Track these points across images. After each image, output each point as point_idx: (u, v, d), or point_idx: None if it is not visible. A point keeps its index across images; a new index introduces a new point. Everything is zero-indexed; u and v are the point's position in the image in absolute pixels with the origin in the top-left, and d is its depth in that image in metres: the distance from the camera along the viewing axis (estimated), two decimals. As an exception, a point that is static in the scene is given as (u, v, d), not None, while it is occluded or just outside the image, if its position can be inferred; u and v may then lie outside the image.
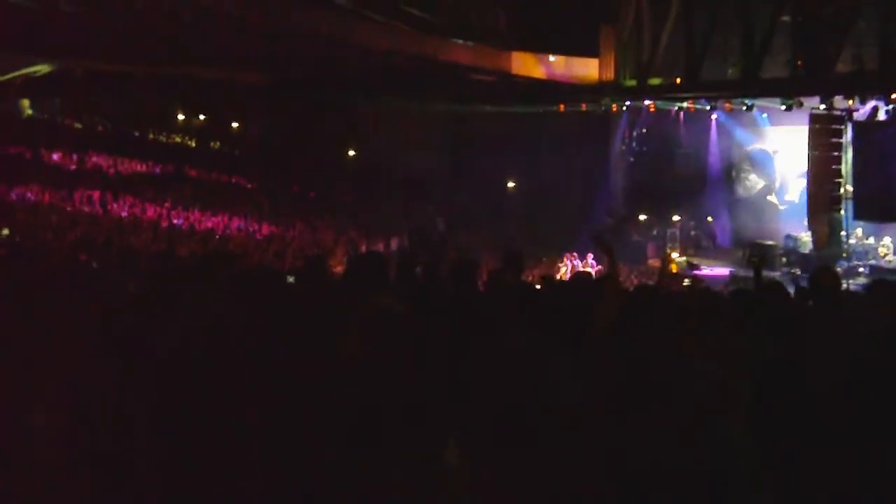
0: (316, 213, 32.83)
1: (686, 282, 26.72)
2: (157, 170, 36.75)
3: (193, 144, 43.12)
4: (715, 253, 34.76)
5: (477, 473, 4.97)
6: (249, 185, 37.52)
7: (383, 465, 4.91)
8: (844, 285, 22.84)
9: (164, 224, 27.91)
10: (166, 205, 29.76)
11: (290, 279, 8.31)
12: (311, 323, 5.84)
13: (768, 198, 34.93)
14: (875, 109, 26.98)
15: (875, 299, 7.77)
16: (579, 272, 19.38)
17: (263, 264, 16.30)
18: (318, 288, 7.47)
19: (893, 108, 26.18)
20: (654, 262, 33.69)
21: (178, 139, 43.25)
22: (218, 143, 43.38)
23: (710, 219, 36.01)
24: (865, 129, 27.35)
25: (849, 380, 5.21)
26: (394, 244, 29.33)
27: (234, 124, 42.72)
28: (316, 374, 5.28)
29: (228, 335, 5.87)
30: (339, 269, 16.68)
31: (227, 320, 6.07)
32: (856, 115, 27.54)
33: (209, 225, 28.99)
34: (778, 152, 34.45)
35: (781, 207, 34.50)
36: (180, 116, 43.00)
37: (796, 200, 32.88)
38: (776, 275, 28.20)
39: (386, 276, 6.85)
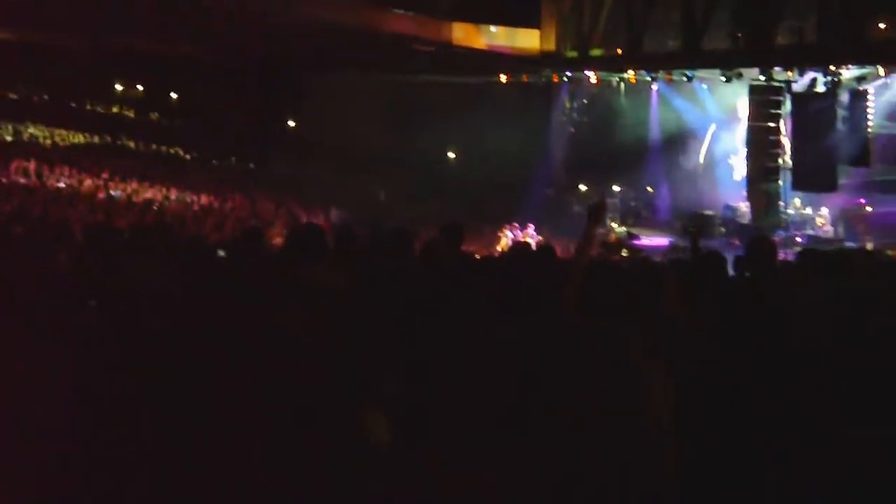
0: (255, 185, 32.64)
1: (624, 252, 26.86)
2: (95, 140, 36.37)
3: (132, 115, 42.68)
4: (655, 223, 34.87)
5: (418, 452, 4.96)
6: (188, 157, 37.25)
7: (319, 441, 4.89)
8: (781, 255, 23.14)
9: (102, 195, 27.60)
10: (104, 176, 29.41)
11: (221, 253, 8.20)
12: (248, 296, 5.81)
13: (707, 168, 35.14)
14: (814, 81, 27.24)
15: (806, 269, 7.86)
16: (518, 243, 19.37)
17: (198, 237, 16.13)
18: (256, 260, 7.44)
19: (832, 79, 26.44)
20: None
21: (116, 110, 42.78)
22: (156, 115, 42.98)
23: (649, 189, 36.15)
24: (804, 101, 27.62)
25: (786, 350, 5.26)
26: (333, 216, 29.18)
27: (173, 95, 42.31)
28: (254, 349, 5.25)
29: (166, 309, 5.83)
30: (278, 240, 16.59)
31: (164, 294, 6.03)
32: (794, 87, 27.80)
33: (147, 196, 28.71)
34: (718, 123, 34.64)
35: (720, 177, 34.72)
36: (118, 87, 42.52)
37: (736, 171, 33.11)
38: (715, 244, 28.43)
39: (325, 248, 6.83)
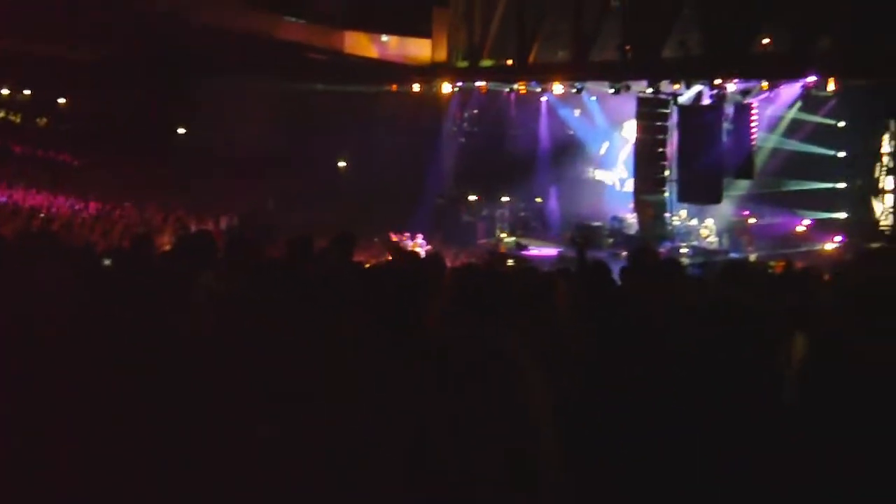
0: (145, 192, 32.24)
1: (510, 262, 27.05)
2: (-20, 147, 35.70)
3: (18, 120, 41.93)
4: (544, 233, 35.13)
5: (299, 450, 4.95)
6: (76, 163, 36.68)
7: (205, 447, 4.87)
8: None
9: (-12, 202, 27.13)
10: (-10, 182, 28.92)
11: (107, 262, 8.09)
12: (135, 303, 5.76)
13: (596, 179, 35.51)
14: (699, 94, 27.70)
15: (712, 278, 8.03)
16: (407, 252, 19.43)
17: (86, 244, 15.92)
18: (144, 267, 7.38)
19: (717, 92, 26.91)
20: (484, 243, 34.02)
21: (1, 115, 42.01)
22: (44, 120, 42.27)
23: (539, 199, 36.42)
24: (690, 113, 28.08)
25: (657, 358, 5.35)
26: (223, 223, 28.98)
27: (62, 100, 41.64)
28: (141, 355, 5.21)
29: (51, 316, 5.76)
30: (167, 248, 16.46)
31: (49, 301, 5.96)
32: (681, 100, 28.24)
33: (34, 203, 28.25)
34: (607, 135, 35.02)
35: (609, 189, 35.12)
36: (5, 91, 41.76)
37: (623, 182, 33.53)
38: (602, 255, 28.74)
39: (214, 255, 6.81)
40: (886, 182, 26.25)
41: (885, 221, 26.24)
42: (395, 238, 28.79)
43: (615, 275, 8.66)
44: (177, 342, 5.21)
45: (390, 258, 24.13)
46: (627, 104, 29.90)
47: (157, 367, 5.10)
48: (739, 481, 4.60)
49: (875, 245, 24.88)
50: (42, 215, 26.36)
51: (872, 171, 26.56)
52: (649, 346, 5.34)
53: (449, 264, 9.05)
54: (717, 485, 4.66)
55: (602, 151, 35.39)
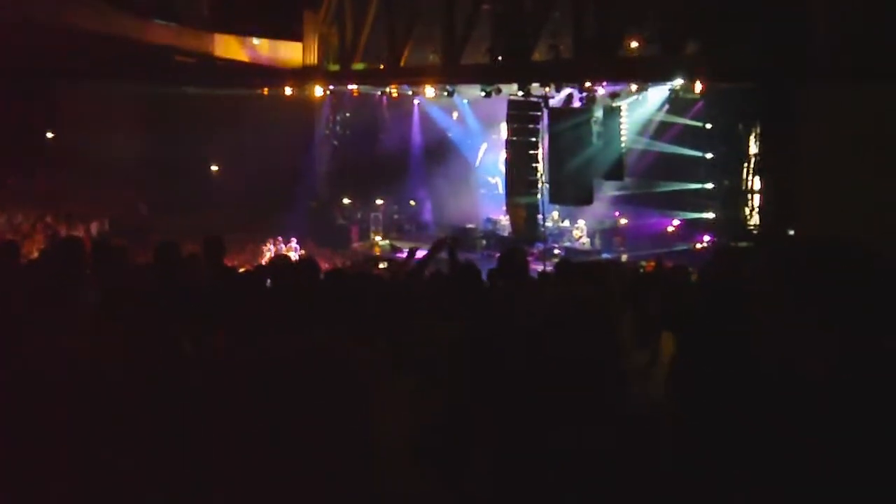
0: (14, 200, 31.59)
1: (382, 265, 27.07)
2: None
3: None
4: (417, 235, 35.23)
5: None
6: (-61, 171, 35.83)
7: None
8: (541, 267, 23.67)
9: None
10: None
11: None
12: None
13: (469, 181, 35.67)
14: (570, 96, 27.97)
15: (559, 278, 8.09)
16: (279, 256, 19.37)
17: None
18: (9, 275, 7.24)
19: (586, 95, 27.21)
20: (359, 246, 34.00)
21: None
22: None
23: (412, 202, 36.51)
24: (560, 116, 28.31)
25: (526, 358, 5.37)
26: (94, 229, 28.57)
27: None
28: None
29: None
30: (36, 255, 16.18)
31: None
32: (551, 102, 28.46)
33: None
34: (480, 138, 35.21)
35: (482, 191, 35.32)
36: None
37: (496, 184, 33.73)
38: (475, 257, 28.89)
39: (82, 262, 6.69)
40: (754, 182, 26.72)
41: (753, 221, 26.72)
42: (269, 243, 28.63)
43: (484, 276, 8.71)
44: (41, 356, 5.10)
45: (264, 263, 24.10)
46: (501, 107, 30.03)
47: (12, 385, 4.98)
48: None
49: (743, 244, 25.32)
50: None
51: (740, 172, 27.02)
52: (513, 347, 5.36)
53: (324, 268, 9.00)
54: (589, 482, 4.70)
55: (480, 154, 35.57)
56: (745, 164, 26.94)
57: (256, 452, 4.51)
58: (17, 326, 5.35)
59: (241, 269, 12.05)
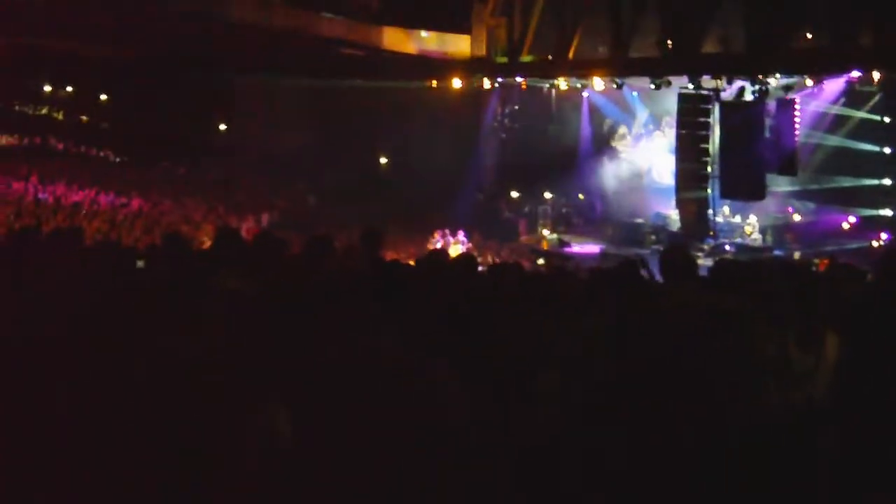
0: (185, 189, 32.32)
1: (540, 261, 26.90)
2: (24, 143, 35.90)
3: (60, 117, 42.16)
4: (586, 230, 35.02)
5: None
6: (118, 159, 36.84)
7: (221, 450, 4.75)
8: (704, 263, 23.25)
9: (30, 198, 27.23)
10: (32, 179, 29.03)
11: (140, 263, 7.97)
12: (162, 304, 5.65)
13: (638, 175, 35.28)
14: (741, 90, 27.40)
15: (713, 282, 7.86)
16: (433, 251, 19.34)
17: (115, 242, 15.81)
18: (176, 267, 7.30)
19: (759, 88, 26.59)
20: (526, 239, 33.91)
21: (44, 111, 42.25)
22: (86, 117, 42.45)
23: (581, 196, 36.27)
24: (732, 109, 27.77)
25: (655, 360, 5.22)
26: (264, 220, 29.05)
27: (103, 97, 41.79)
28: (162, 357, 5.10)
29: (74, 314, 5.66)
30: (208, 244, 16.47)
31: (73, 299, 5.86)
32: (723, 95, 27.92)
33: (76, 199, 28.34)
34: (648, 131, 34.82)
35: (651, 185, 34.89)
36: (47, 88, 41.98)
37: (666, 178, 33.25)
38: (646, 252, 28.56)
39: (242, 253, 6.70)
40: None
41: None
42: (437, 235, 28.69)
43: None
44: (190, 347, 5.09)
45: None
46: (670, 98, 29.60)
47: (170, 371, 4.99)
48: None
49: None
50: (84, 212, 26.48)
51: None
52: (670, 348, 5.21)
53: (490, 261, 8.93)
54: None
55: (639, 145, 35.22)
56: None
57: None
58: (174, 321, 5.35)
59: (411, 262, 12.00)
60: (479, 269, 9.25)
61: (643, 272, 8.47)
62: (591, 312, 6.08)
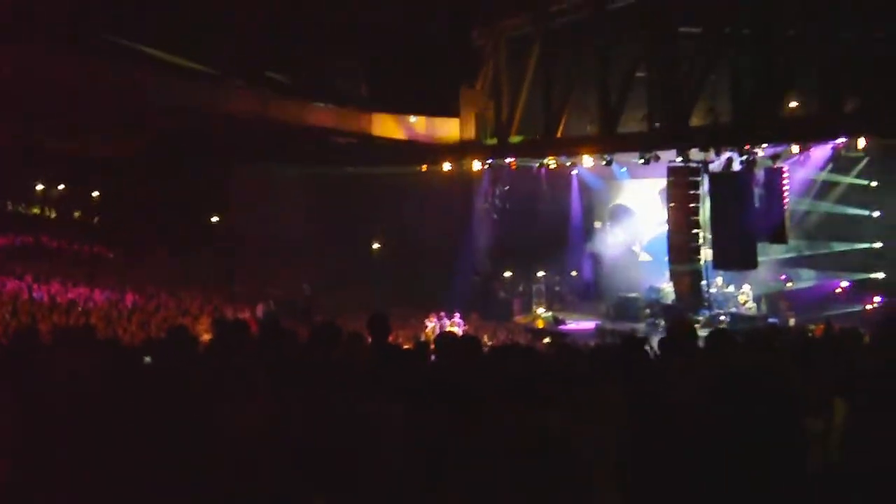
0: (180, 282, 32.34)
1: (546, 339, 26.92)
2: (17, 242, 35.97)
3: (53, 215, 42.33)
4: (580, 306, 35.14)
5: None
6: (111, 255, 36.89)
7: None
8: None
9: (25, 297, 27.24)
10: (27, 278, 29.05)
11: (147, 358, 8.01)
12: (175, 396, 5.75)
13: (631, 249, 35.46)
14: (730, 160, 27.56)
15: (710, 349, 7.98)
16: (445, 332, 19.38)
17: (113, 339, 15.83)
18: (184, 362, 7.37)
19: (747, 158, 26.77)
20: (521, 319, 33.98)
21: (37, 210, 42.43)
22: (79, 213, 42.60)
23: (574, 273, 36.41)
24: (721, 180, 27.91)
25: (673, 431, 5.31)
26: (259, 311, 29.03)
27: (95, 193, 41.97)
28: (188, 447, 5.21)
29: (88, 409, 5.75)
30: (206, 336, 16.50)
31: (86, 393, 5.95)
32: (711, 167, 28.08)
33: (71, 297, 28.35)
34: (638, 204, 35.05)
35: (643, 259, 35.05)
36: (39, 187, 42.19)
37: (657, 252, 33.39)
38: (640, 326, 28.68)
39: (251, 344, 6.80)
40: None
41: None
42: (432, 318, 28.70)
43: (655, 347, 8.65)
44: (219, 436, 5.20)
45: (426, 337, 24.21)
46: (659, 171, 29.79)
47: (199, 462, 5.09)
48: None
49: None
50: (79, 309, 26.49)
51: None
52: (680, 420, 5.30)
53: (488, 342, 9.03)
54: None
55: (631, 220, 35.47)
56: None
57: None
58: (195, 413, 5.46)
59: (405, 346, 12.09)
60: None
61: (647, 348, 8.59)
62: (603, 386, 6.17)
